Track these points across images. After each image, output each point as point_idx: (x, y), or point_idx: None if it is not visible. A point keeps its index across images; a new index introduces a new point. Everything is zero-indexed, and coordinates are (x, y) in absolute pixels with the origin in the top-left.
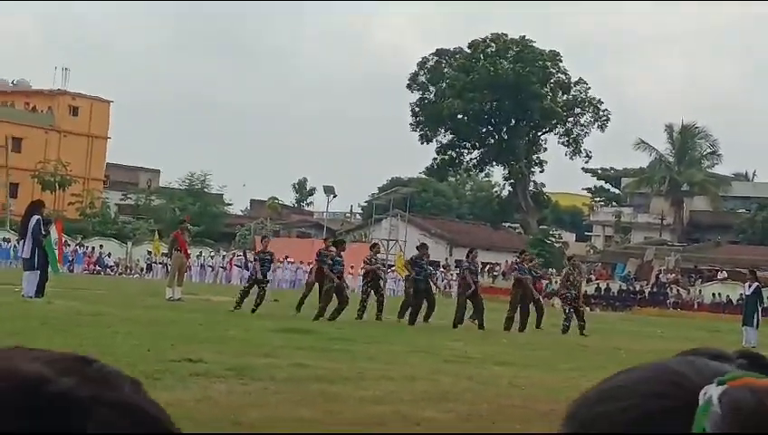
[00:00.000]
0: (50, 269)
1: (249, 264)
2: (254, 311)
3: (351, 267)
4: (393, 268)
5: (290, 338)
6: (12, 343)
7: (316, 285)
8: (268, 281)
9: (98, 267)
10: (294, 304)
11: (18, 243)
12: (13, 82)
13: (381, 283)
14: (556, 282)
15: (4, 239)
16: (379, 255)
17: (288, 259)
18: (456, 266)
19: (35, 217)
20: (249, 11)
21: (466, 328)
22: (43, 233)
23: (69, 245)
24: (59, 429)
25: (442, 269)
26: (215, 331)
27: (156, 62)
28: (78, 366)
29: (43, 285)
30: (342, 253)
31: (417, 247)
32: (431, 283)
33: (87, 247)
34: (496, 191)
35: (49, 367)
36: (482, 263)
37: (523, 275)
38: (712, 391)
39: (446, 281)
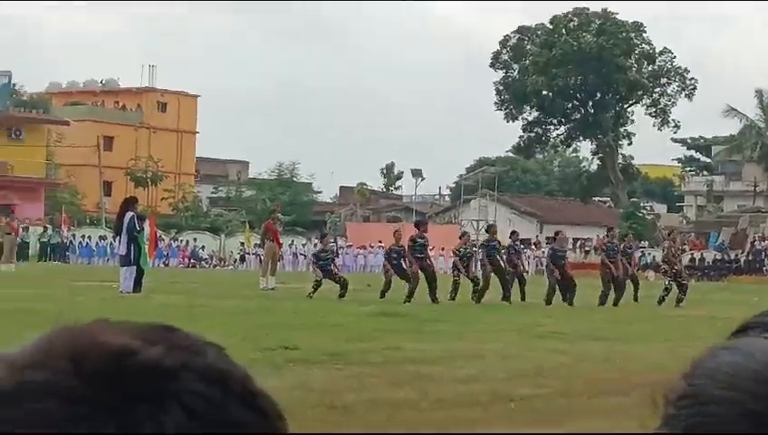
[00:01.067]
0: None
1: (340, 250)
2: (341, 296)
3: (442, 249)
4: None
5: (383, 322)
6: None
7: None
8: (336, 273)
9: (192, 260)
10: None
11: (114, 240)
12: (102, 82)
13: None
14: (649, 254)
15: (101, 237)
16: (469, 241)
17: (380, 244)
18: (546, 243)
19: (130, 214)
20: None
21: (559, 305)
22: (138, 229)
23: (163, 239)
24: (151, 398)
25: (533, 247)
26: (309, 318)
27: (238, 52)
28: (162, 335)
29: (140, 280)
30: (425, 233)
31: (485, 230)
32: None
33: (181, 241)
34: (584, 166)
35: (134, 337)
36: (572, 239)
37: (611, 257)
38: None
39: (536, 259)
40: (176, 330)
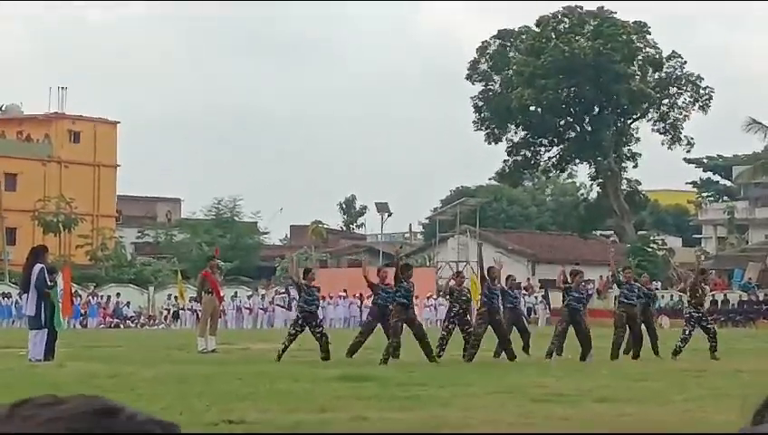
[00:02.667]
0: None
1: (293, 302)
2: (324, 358)
3: (416, 297)
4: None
5: (348, 387)
6: None
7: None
8: (320, 320)
9: (116, 319)
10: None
11: (20, 298)
12: (1, 109)
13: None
14: (662, 296)
15: (4, 295)
16: (462, 284)
17: (343, 293)
18: (540, 287)
19: (38, 266)
20: (275, 3)
21: (558, 361)
22: (49, 284)
23: (80, 295)
24: None
25: (524, 292)
26: (258, 385)
27: (167, 72)
28: (105, 423)
29: (53, 345)
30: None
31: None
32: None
33: (101, 297)
34: (582, 194)
35: (72, 432)
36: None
37: (629, 300)
38: None
39: (528, 306)
40: (121, 411)
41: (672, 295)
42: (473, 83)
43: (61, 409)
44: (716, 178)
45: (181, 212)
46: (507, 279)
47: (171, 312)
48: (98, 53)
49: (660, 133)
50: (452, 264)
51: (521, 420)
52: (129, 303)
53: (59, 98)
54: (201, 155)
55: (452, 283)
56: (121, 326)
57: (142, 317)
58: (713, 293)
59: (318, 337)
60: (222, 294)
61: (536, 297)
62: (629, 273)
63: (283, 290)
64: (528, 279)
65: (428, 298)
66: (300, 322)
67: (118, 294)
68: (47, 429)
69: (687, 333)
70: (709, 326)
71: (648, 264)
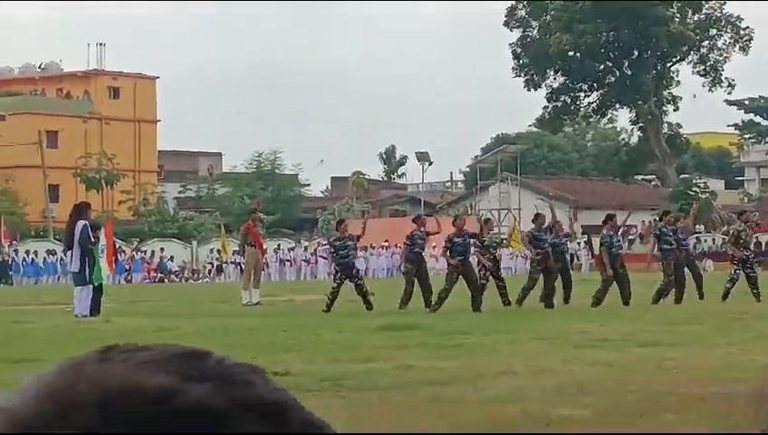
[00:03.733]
0: (103, 280)
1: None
2: (369, 308)
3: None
4: (507, 243)
5: (393, 337)
6: None
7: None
8: (358, 271)
9: (160, 274)
10: (396, 294)
11: (65, 254)
12: (41, 67)
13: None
14: (705, 241)
15: (49, 252)
16: (492, 232)
17: (385, 244)
18: (582, 233)
19: (81, 223)
20: None
21: (602, 308)
22: (92, 240)
23: (124, 251)
24: None
25: (566, 238)
26: (303, 336)
27: (204, 25)
28: (199, 365)
29: (99, 300)
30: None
31: (532, 220)
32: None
33: (145, 252)
34: (623, 139)
35: (167, 373)
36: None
37: (670, 246)
38: None
39: (572, 251)
40: (209, 355)
41: (715, 239)
42: (511, 30)
43: (152, 353)
44: (758, 119)
45: (222, 166)
46: (554, 226)
47: (215, 266)
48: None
49: (701, 76)
50: (494, 212)
51: (565, 366)
52: (172, 257)
53: (98, 54)
54: (241, 109)
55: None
56: (166, 281)
57: (186, 271)
58: (756, 235)
59: (357, 290)
60: (264, 247)
61: (579, 243)
62: (671, 218)
63: (326, 242)
64: (570, 225)
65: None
66: (339, 275)
67: (161, 249)
68: (145, 368)
69: (734, 272)
70: (753, 274)
71: (690, 207)
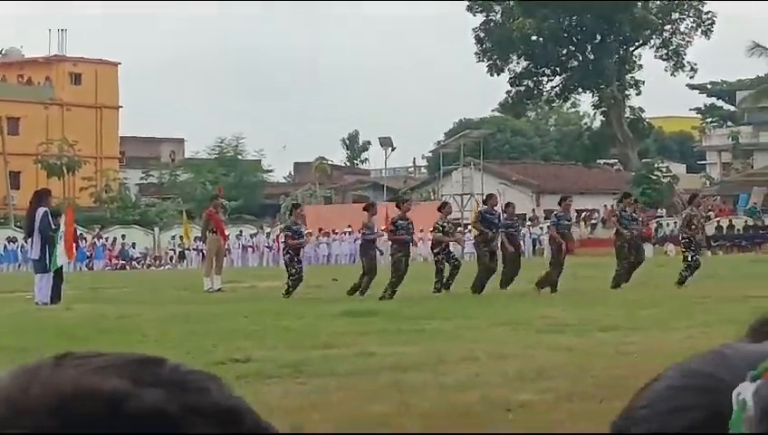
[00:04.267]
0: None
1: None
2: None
3: (421, 231)
4: (470, 228)
5: (353, 323)
6: (27, 361)
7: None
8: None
9: (121, 261)
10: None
11: (26, 242)
12: (1, 53)
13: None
14: (667, 224)
15: (9, 239)
16: (450, 216)
17: (348, 229)
18: (545, 218)
19: (42, 210)
20: None
21: (562, 292)
22: (53, 227)
23: (85, 238)
24: None
25: (528, 222)
26: (264, 323)
27: (165, 10)
28: (153, 371)
29: (59, 287)
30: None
31: (483, 200)
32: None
33: (107, 239)
34: (586, 123)
35: (121, 378)
36: (576, 210)
37: (627, 227)
38: (745, 391)
39: (534, 236)
40: (164, 362)
41: (677, 222)
42: (474, 15)
43: (107, 359)
44: (720, 103)
45: (185, 152)
46: (507, 207)
47: (177, 252)
48: None
49: (663, 60)
50: (456, 197)
51: (526, 351)
52: (134, 244)
53: (59, 40)
54: (204, 95)
55: (439, 215)
56: (127, 268)
57: (148, 258)
58: (717, 218)
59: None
60: (226, 234)
61: (541, 228)
62: (630, 201)
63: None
64: (533, 210)
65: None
66: (295, 258)
67: (123, 236)
68: (100, 373)
69: (691, 258)
70: (697, 257)
71: (653, 191)
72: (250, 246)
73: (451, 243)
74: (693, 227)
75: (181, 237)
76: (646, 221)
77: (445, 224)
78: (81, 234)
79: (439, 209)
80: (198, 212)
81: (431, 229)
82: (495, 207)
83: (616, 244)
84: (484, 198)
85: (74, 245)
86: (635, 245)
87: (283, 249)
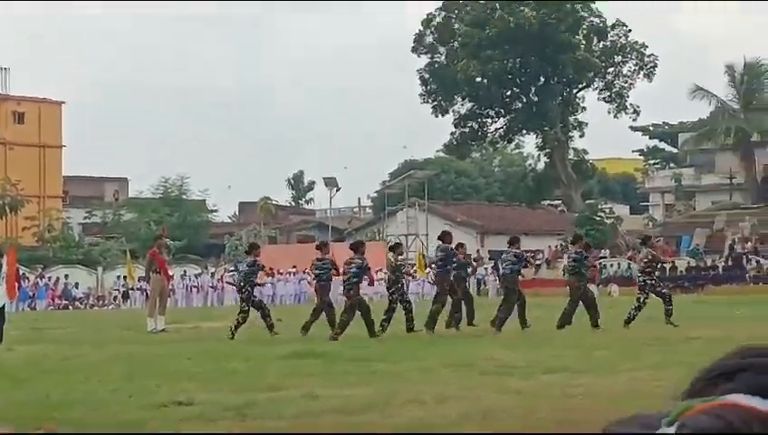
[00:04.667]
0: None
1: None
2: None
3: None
4: (415, 269)
5: (299, 365)
6: None
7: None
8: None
9: (65, 301)
10: (302, 322)
11: None
12: None
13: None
14: (611, 265)
15: None
16: (402, 256)
17: (293, 269)
18: (490, 259)
19: None
20: None
21: (509, 333)
22: None
23: (27, 278)
24: None
25: (473, 263)
26: (207, 365)
27: (109, 46)
28: None
29: (1, 328)
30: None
31: (438, 237)
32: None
33: (50, 279)
34: (530, 165)
35: None
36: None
37: (587, 268)
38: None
39: (479, 278)
40: None
41: (620, 263)
42: (419, 56)
43: None
44: (663, 145)
45: (129, 191)
46: (457, 248)
47: (121, 292)
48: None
49: (606, 102)
50: (401, 237)
51: (473, 393)
52: (77, 284)
53: (2, 79)
54: (148, 134)
55: (390, 255)
56: (71, 308)
57: (91, 298)
58: (672, 259)
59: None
60: (170, 274)
61: (486, 269)
62: (583, 243)
63: (233, 268)
64: (478, 251)
65: (378, 272)
66: (248, 298)
67: (66, 276)
68: None
69: (643, 299)
70: (664, 292)
71: (596, 232)
72: (194, 287)
73: (409, 282)
74: (650, 268)
75: (125, 277)
76: (592, 262)
77: (399, 263)
78: (23, 274)
79: (392, 250)
80: (142, 252)
81: (379, 269)
82: (401, 256)
83: (574, 286)
84: (391, 245)
85: (17, 285)
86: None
87: (243, 287)
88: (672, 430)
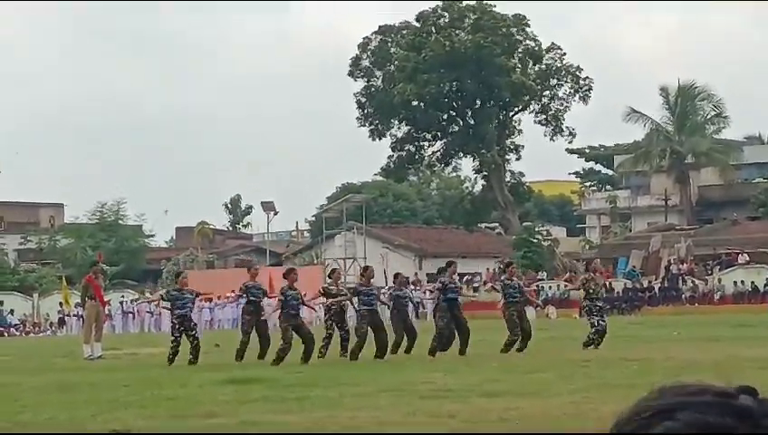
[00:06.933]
0: None
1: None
2: (192, 362)
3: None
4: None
5: (236, 391)
6: None
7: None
8: (194, 324)
9: (0, 328)
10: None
11: None
12: None
13: (345, 315)
14: (549, 287)
15: None
16: (339, 281)
17: (232, 294)
18: (428, 282)
19: None
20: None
21: (446, 357)
22: None
23: None
24: None
25: (411, 286)
26: (144, 392)
27: (39, 70)
28: None
29: None
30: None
31: (360, 273)
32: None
33: None
34: (467, 187)
35: None
36: (458, 274)
37: (514, 296)
38: None
39: (417, 300)
40: None
41: (558, 285)
42: (355, 79)
43: None
44: (598, 167)
45: (64, 217)
46: (396, 277)
47: (57, 318)
48: None
49: (542, 125)
50: (339, 261)
51: (409, 419)
52: (12, 310)
53: None
54: (81, 158)
55: (329, 280)
56: (6, 335)
57: (27, 325)
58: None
59: (190, 341)
60: (106, 300)
61: (425, 292)
62: (514, 269)
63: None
64: (416, 274)
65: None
66: (177, 326)
67: (1, 302)
68: None
69: (597, 323)
70: (603, 322)
71: (533, 255)
72: (131, 312)
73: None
74: (591, 291)
75: (61, 303)
76: (528, 284)
77: (333, 288)
78: None
79: (329, 276)
80: (79, 277)
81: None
82: (339, 281)
83: (505, 314)
84: (329, 272)
85: None
86: (522, 311)
87: (172, 313)
88: None
